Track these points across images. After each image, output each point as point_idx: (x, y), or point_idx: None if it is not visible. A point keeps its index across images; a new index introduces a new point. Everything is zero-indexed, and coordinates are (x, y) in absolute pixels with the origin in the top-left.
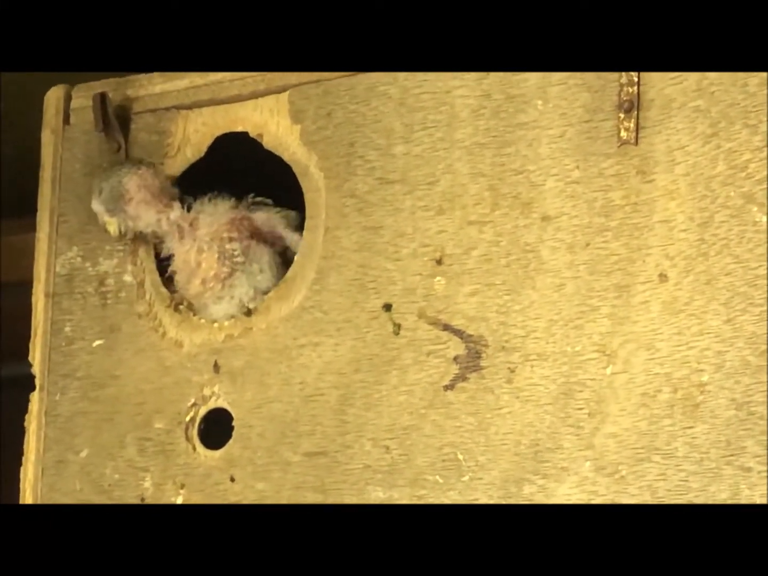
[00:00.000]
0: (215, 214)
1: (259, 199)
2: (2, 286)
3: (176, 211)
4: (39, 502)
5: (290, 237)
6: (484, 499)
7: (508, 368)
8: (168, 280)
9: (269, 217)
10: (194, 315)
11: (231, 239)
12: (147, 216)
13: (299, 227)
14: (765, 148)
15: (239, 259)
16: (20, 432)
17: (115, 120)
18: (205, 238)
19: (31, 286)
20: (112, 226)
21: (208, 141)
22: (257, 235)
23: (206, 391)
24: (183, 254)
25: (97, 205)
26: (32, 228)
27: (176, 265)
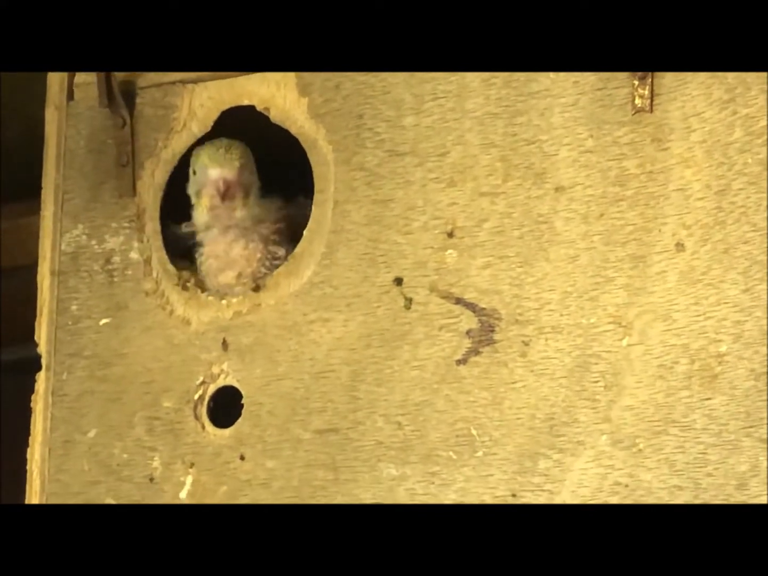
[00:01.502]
0: (266, 212)
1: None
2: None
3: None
4: (46, 482)
5: None
6: (498, 475)
7: (522, 341)
8: (178, 258)
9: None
10: (202, 292)
11: (276, 242)
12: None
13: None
14: None
15: (279, 262)
16: (19, 415)
17: (120, 95)
18: (254, 235)
19: (28, 271)
20: (203, 206)
21: (215, 115)
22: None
23: (215, 369)
24: (224, 244)
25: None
26: (28, 212)
27: (213, 251)
